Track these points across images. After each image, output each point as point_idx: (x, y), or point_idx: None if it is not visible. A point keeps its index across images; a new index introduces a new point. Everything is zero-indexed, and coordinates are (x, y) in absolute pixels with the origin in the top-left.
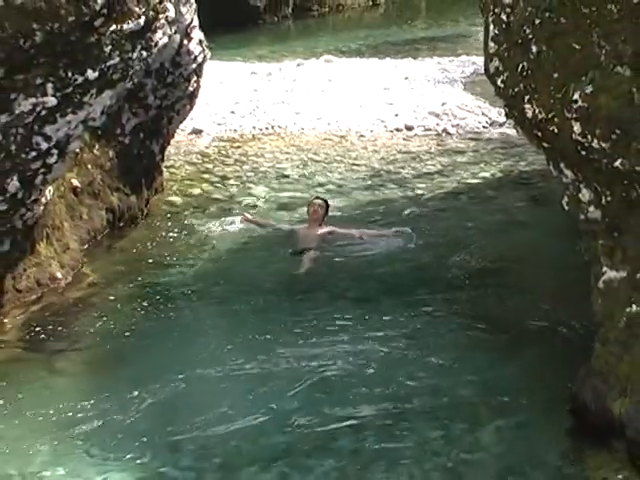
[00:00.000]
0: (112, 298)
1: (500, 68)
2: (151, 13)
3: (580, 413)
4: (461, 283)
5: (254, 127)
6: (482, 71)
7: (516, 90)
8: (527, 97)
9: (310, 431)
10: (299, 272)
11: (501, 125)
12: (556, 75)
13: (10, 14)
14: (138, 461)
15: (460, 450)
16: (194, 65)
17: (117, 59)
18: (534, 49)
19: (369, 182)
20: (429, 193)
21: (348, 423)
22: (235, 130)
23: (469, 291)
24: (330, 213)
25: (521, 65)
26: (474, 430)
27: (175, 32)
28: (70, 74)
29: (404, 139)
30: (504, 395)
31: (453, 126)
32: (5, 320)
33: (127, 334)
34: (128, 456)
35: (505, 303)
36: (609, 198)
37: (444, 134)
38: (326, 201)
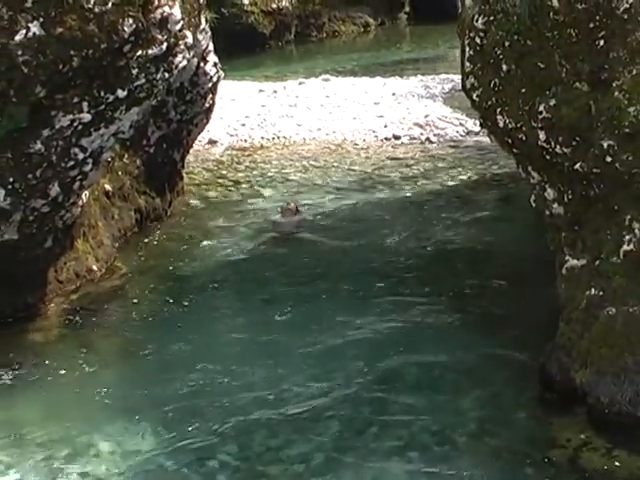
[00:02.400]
0: (141, 288)
1: (475, 84)
2: (172, 40)
3: (547, 383)
4: (443, 271)
5: (262, 137)
6: (459, 87)
7: (489, 103)
8: (499, 109)
9: (313, 402)
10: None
11: (476, 134)
12: (524, 90)
13: (50, 42)
14: (163, 427)
15: (443, 415)
16: (210, 84)
17: (143, 80)
18: (504, 68)
19: (362, 184)
20: (414, 193)
21: (346, 395)
22: (246, 140)
23: (450, 279)
24: (328, 211)
25: (493, 82)
26: (455, 399)
27: (193, 56)
28: (103, 93)
29: (392, 147)
30: (482, 369)
31: (435, 135)
32: (48, 307)
33: (155, 319)
34: (154, 424)
35: (482, 289)
36: (570, 196)
37: (427, 142)
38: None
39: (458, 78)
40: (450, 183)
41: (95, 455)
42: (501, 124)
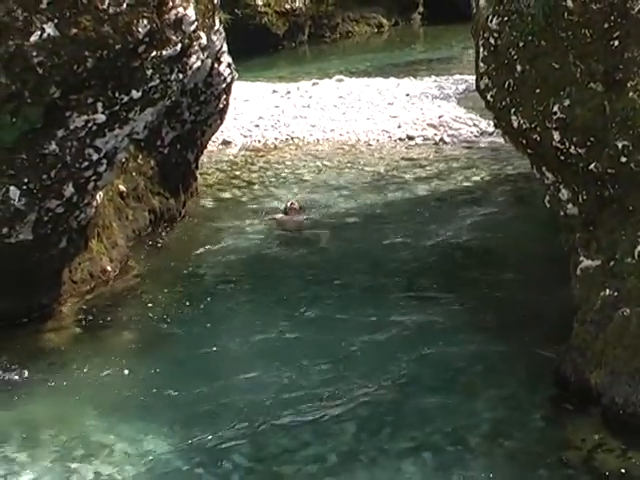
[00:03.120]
0: (155, 288)
1: (489, 85)
2: (186, 41)
3: (561, 384)
4: (457, 272)
5: (276, 138)
6: (473, 88)
7: (503, 104)
8: (513, 110)
9: (328, 403)
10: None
11: (490, 134)
12: (538, 90)
13: (65, 43)
14: (178, 427)
15: (457, 416)
16: (224, 85)
17: (157, 81)
18: (519, 68)
19: (376, 185)
20: (428, 194)
21: (359, 396)
22: (259, 141)
23: (464, 279)
24: (342, 211)
25: (507, 82)
26: (469, 400)
27: (207, 57)
28: (117, 94)
29: (406, 148)
30: (496, 370)
31: (449, 136)
32: (63, 307)
33: (169, 320)
34: (169, 423)
35: (496, 289)
36: (585, 197)
37: (441, 143)
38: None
39: (472, 79)
40: (464, 184)
41: (110, 455)
42: (515, 124)
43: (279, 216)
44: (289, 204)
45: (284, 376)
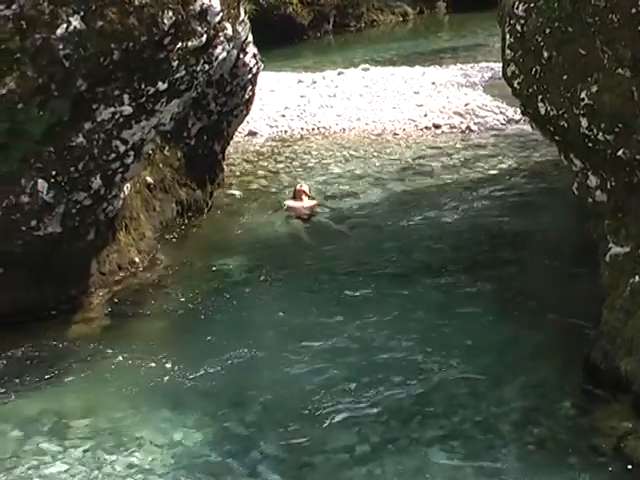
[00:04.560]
0: (182, 280)
1: (516, 72)
2: (212, 32)
3: (591, 372)
4: (485, 260)
5: (302, 128)
6: (500, 75)
7: (530, 91)
8: (540, 97)
9: (356, 393)
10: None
11: (517, 122)
12: (565, 77)
13: (91, 36)
14: (207, 417)
15: (486, 405)
16: (249, 76)
17: (183, 72)
18: (545, 55)
19: (402, 174)
20: (455, 183)
21: (388, 385)
22: (285, 131)
23: (493, 267)
24: (368, 200)
25: (534, 69)
26: (499, 388)
27: (233, 47)
28: (143, 86)
29: (432, 136)
30: (525, 358)
31: (475, 124)
32: (92, 299)
33: (197, 311)
34: (198, 413)
35: (524, 277)
36: (613, 183)
37: (467, 131)
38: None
39: (498, 66)
40: (491, 172)
41: (140, 445)
42: (542, 111)
43: (288, 202)
44: (297, 188)
45: (313, 367)
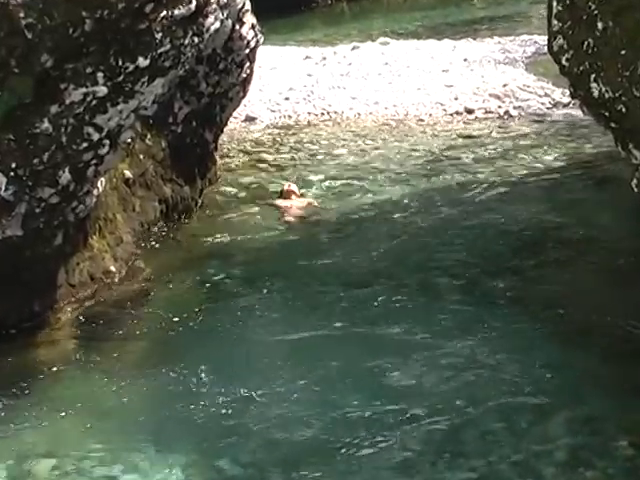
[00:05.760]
0: (167, 292)
1: (564, 46)
2: None
3: None
4: (527, 270)
5: (309, 113)
6: (545, 50)
7: (581, 68)
8: (593, 75)
9: (373, 425)
10: None
11: (565, 106)
12: (623, 52)
13: (58, 2)
14: (194, 455)
15: (526, 442)
16: (247, 50)
17: (168, 46)
18: (600, 25)
19: (428, 168)
20: (491, 178)
21: (413, 417)
22: (290, 117)
23: (534, 277)
24: (387, 198)
25: (586, 42)
26: (541, 421)
27: (227, 17)
28: (121, 62)
29: (464, 123)
30: (574, 386)
31: (515, 108)
32: (59, 316)
33: (183, 330)
34: (184, 451)
35: (573, 289)
36: None
37: (506, 117)
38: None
39: (543, 39)
40: (534, 165)
41: None
42: (596, 93)
43: (279, 202)
44: (285, 188)
45: (321, 395)
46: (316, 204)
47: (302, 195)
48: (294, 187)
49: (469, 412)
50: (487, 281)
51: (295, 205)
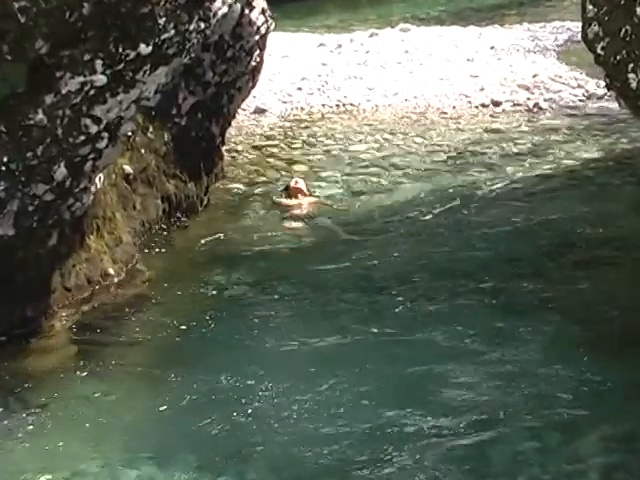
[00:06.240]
0: (169, 297)
1: (600, 34)
2: None
3: None
4: (559, 273)
5: (323, 105)
6: (578, 38)
7: (618, 58)
8: (631, 65)
9: (393, 445)
10: None
11: (600, 98)
12: None
13: None
14: (197, 474)
15: (557, 462)
16: (256, 37)
17: (172, 32)
18: (638, 11)
19: (451, 165)
20: (519, 176)
21: (438, 430)
22: (302, 109)
23: (568, 281)
24: (407, 198)
25: (624, 29)
26: (573, 440)
27: (235, 1)
28: (121, 49)
29: (491, 116)
30: (609, 401)
31: (546, 100)
32: (53, 322)
33: (186, 338)
34: (187, 469)
35: (610, 294)
36: None
37: (536, 109)
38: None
39: (576, 26)
40: (566, 162)
41: None
42: (634, 84)
43: (282, 200)
44: (292, 185)
45: (335, 410)
46: (327, 203)
47: (310, 193)
48: (301, 183)
49: (498, 427)
50: (517, 286)
51: (302, 204)
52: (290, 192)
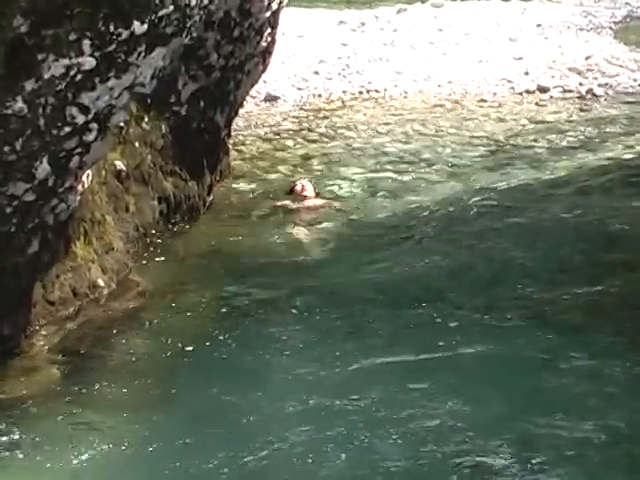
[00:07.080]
0: (166, 312)
1: None
2: None
3: None
4: (613, 285)
5: (344, 92)
6: (639, 14)
7: None
8: None
9: (415, 472)
10: None
11: None
12: None
13: None
14: None
15: None
16: (267, 14)
17: (171, 7)
18: None
19: (491, 160)
20: (570, 173)
21: (461, 464)
22: (320, 96)
23: (623, 294)
24: (439, 198)
25: None
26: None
27: None
28: (112, 28)
29: (537, 104)
30: None
31: (600, 86)
32: (33, 341)
33: (185, 360)
34: None
35: None
36: None
37: (589, 97)
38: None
39: (637, 0)
40: (624, 156)
41: None
42: None
43: (285, 202)
44: (297, 184)
45: (352, 441)
46: (335, 205)
47: (318, 194)
48: (308, 185)
49: (539, 465)
50: (565, 300)
51: (308, 206)
52: (295, 195)
